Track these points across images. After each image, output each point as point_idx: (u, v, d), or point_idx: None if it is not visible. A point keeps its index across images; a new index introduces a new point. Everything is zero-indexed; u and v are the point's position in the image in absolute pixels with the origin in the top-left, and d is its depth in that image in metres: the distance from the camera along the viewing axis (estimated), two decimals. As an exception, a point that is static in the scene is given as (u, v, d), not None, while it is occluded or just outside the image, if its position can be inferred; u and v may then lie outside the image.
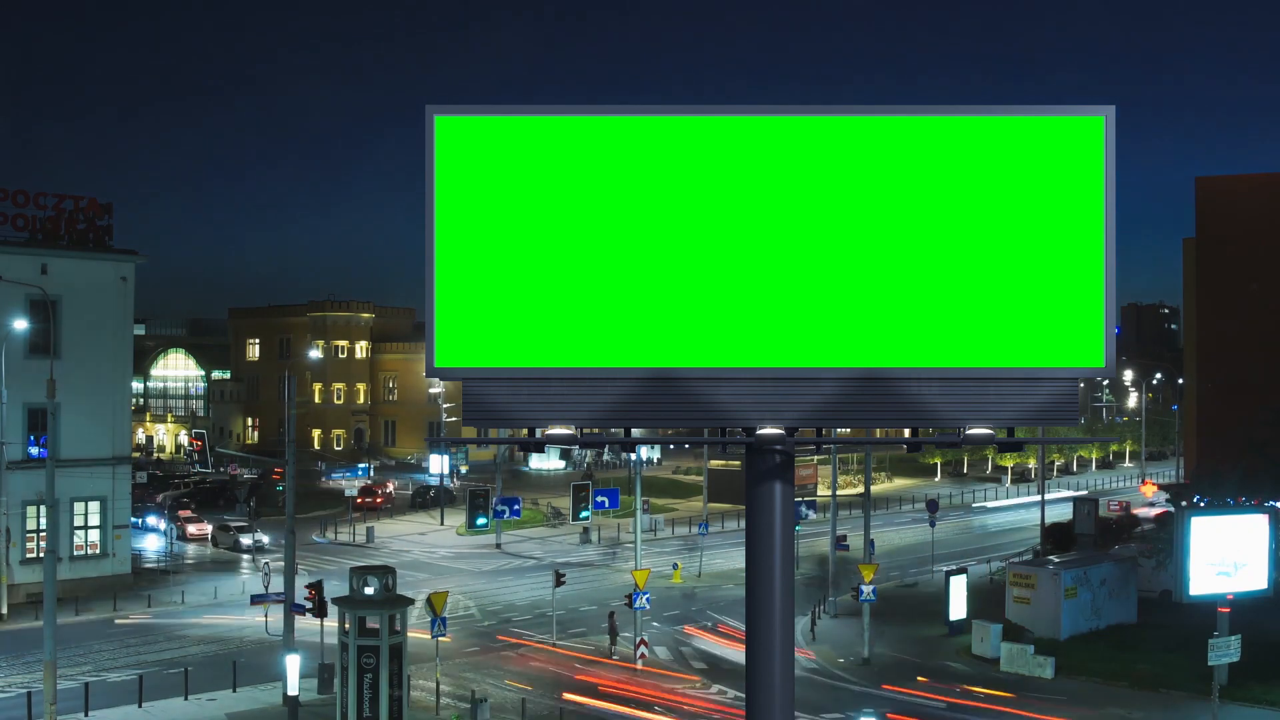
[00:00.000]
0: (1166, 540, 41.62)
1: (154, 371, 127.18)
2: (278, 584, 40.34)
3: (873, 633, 41.50)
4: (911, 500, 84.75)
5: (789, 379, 9.31)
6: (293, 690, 32.79)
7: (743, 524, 14.57)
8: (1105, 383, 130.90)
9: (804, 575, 52.99)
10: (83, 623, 45.72)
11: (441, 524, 74.02)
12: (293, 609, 35.43)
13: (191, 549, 64.18)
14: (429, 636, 36.80)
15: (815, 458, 76.22)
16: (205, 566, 59.58)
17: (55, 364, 40.04)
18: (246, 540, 62.24)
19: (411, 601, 32.94)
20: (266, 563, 50.30)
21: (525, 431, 9.55)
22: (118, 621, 46.56)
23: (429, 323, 9.34)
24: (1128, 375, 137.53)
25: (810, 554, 58.81)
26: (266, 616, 40.85)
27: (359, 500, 75.03)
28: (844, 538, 51.68)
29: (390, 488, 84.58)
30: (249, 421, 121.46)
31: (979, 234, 9.33)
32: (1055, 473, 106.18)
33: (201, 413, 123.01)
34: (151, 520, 68.76)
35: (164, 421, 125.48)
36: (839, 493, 59.37)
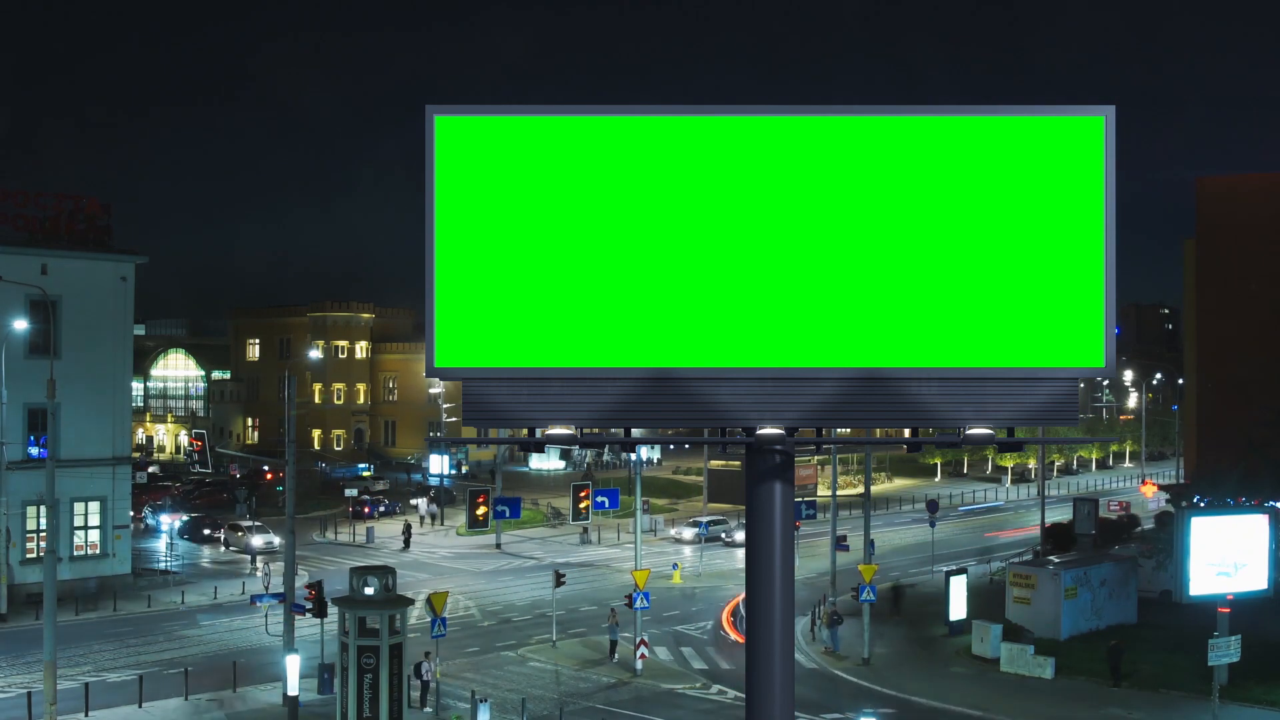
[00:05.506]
0: (1166, 540, 41.63)
1: (154, 371, 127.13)
2: (277, 584, 40.34)
3: (873, 633, 41.50)
4: (911, 500, 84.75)
5: (789, 379, 9.32)
6: (293, 690, 32.80)
7: (743, 523, 14.57)
8: (1105, 383, 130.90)
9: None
10: (83, 623, 45.72)
11: (441, 524, 74.04)
12: (293, 609, 35.43)
13: (198, 549, 64.15)
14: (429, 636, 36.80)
15: (815, 458, 76.21)
16: (205, 567, 59.57)
17: (55, 364, 40.01)
18: (259, 541, 61.45)
19: (411, 602, 32.95)
20: (266, 563, 50.29)
21: (525, 431, 9.56)
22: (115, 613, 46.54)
23: (429, 323, 9.34)
24: (1128, 375, 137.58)
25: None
26: (266, 617, 40.84)
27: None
28: (844, 538, 51.65)
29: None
30: (249, 421, 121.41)
31: (979, 234, 9.33)
32: (1055, 473, 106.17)
33: (201, 413, 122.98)
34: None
35: (164, 421, 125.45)
36: (839, 493, 59.36)
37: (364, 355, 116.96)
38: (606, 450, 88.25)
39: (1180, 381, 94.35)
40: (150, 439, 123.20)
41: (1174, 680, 36.68)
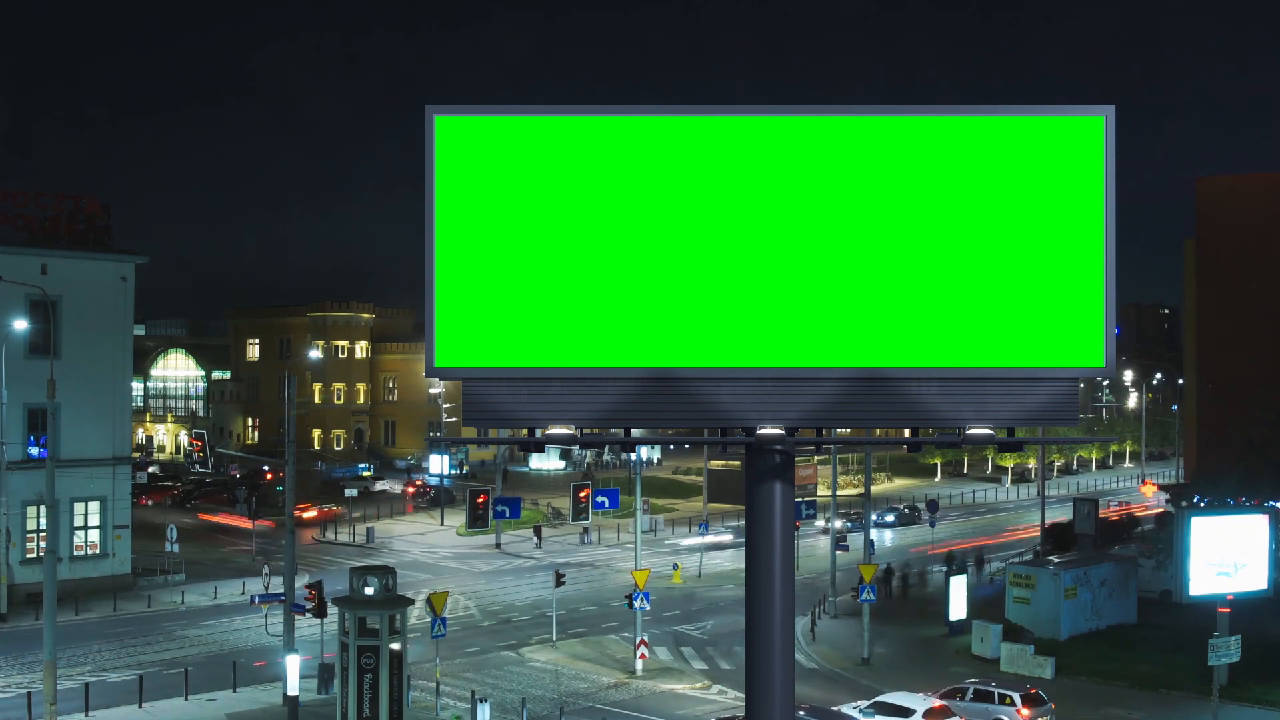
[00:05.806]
0: (1166, 540, 41.63)
1: (154, 371, 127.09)
2: (277, 584, 40.32)
3: (872, 633, 41.49)
4: (912, 500, 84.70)
5: (789, 379, 9.31)
6: (293, 690, 32.79)
7: (743, 523, 14.57)
8: (1105, 383, 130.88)
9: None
10: (83, 623, 45.71)
11: (441, 524, 74.02)
12: (293, 609, 35.41)
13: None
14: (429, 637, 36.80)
15: (815, 458, 76.22)
16: (205, 567, 59.52)
17: (55, 364, 39.99)
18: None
19: (411, 602, 32.94)
20: (266, 564, 50.29)
21: (525, 431, 9.56)
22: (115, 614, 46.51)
23: (429, 323, 9.34)
24: (1128, 375, 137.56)
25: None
26: (266, 617, 40.84)
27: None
28: (844, 538, 51.68)
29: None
30: (249, 421, 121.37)
31: (979, 234, 9.33)
32: (1055, 473, 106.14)
33: (201, 413, 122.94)
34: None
35: (164, 421, 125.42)
36: (839, 493, 59.35)
37: (364, 355, 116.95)
38: (606, 450, 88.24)
39: (1180, 381, 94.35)
40: (150, 439, 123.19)
41: (1174, 680, 36.68)
